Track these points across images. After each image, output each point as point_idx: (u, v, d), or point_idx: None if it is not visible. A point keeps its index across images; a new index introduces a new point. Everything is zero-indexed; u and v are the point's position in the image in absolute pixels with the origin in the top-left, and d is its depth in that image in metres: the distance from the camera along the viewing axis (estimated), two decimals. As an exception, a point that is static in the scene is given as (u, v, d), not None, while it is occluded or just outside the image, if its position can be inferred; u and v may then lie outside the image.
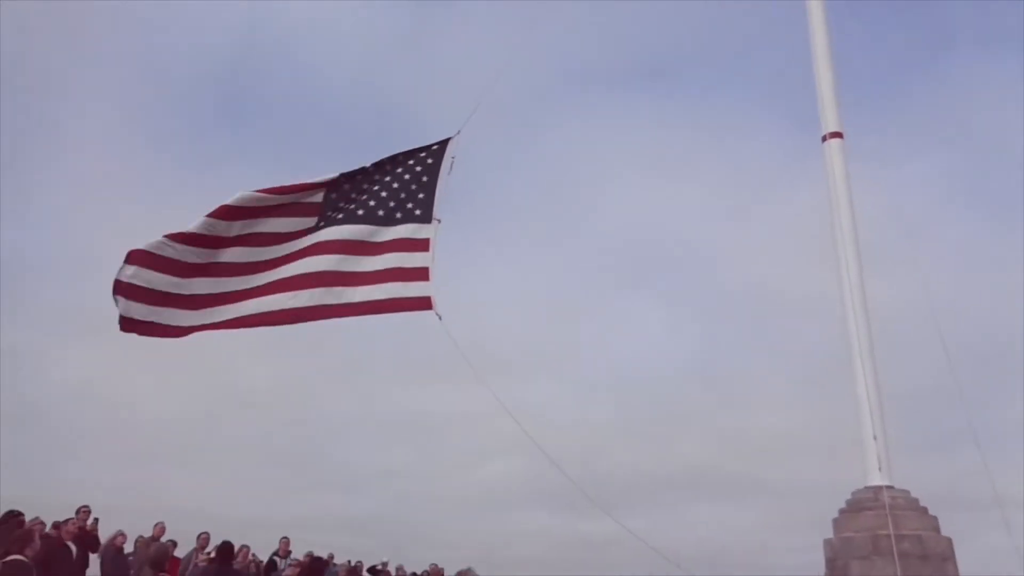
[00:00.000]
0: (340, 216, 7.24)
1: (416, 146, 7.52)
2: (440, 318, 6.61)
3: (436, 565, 18.80)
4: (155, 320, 6.84)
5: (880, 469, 13.30)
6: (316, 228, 7.18)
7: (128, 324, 6.80)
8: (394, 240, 7.05)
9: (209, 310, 6.82)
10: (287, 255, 7.04)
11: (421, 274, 6.85)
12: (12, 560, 6.36)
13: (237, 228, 7.06)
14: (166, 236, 6.85)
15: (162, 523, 12.85)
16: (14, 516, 9.06)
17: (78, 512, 12.00)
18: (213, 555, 12.95)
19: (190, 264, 6.90)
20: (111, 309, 6.70)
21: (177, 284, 6.82)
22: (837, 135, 15.37)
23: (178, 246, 6.86)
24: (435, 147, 7.65)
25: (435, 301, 6.75)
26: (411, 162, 7.49)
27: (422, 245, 7.01)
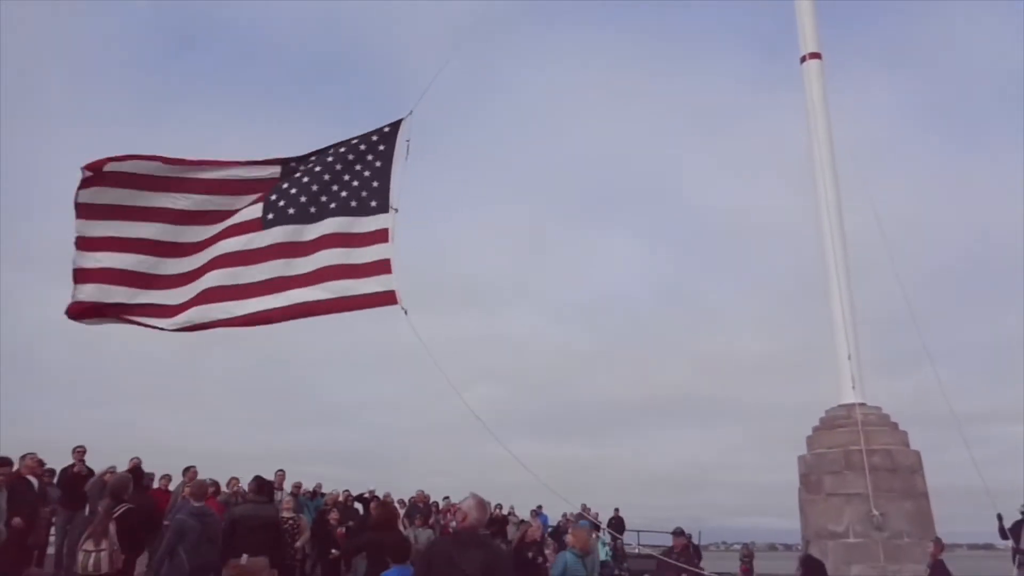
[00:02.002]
0: (292, 212, 6.78)
1: (368, 123, 7.07)
2: (406, 312, 6.24)
3: (423, 492, 19.19)
4: (108, 301, 6.40)
5: (853, 387, 13.64)
6: (264, 224, 6.71)
7: (79, 308, 6.30)
8: (351, 234, 6.70)
9: (159, 311, 6.37)
10: (237, 252, 6.58)
11: (383, 267, 6.49)
12: None
13: (180, 203, 6.63)
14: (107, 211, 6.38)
15: (114, 467, 12.91)
16: None
17: (74, 452, 12.22)
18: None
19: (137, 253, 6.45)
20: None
21: (132, 294, 6.40)
22: (816, 56, 15.21)
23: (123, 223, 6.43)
24: (387, 129, 7.18)
25: (399, 295, 6.32)
26: (363, 148, 7.10)
27: (381, 236, 6.65)
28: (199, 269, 6.65)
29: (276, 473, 15.36)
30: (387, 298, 6.40)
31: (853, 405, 13.45)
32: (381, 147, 7.13)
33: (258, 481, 9.67)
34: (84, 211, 6.49)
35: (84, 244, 6.48)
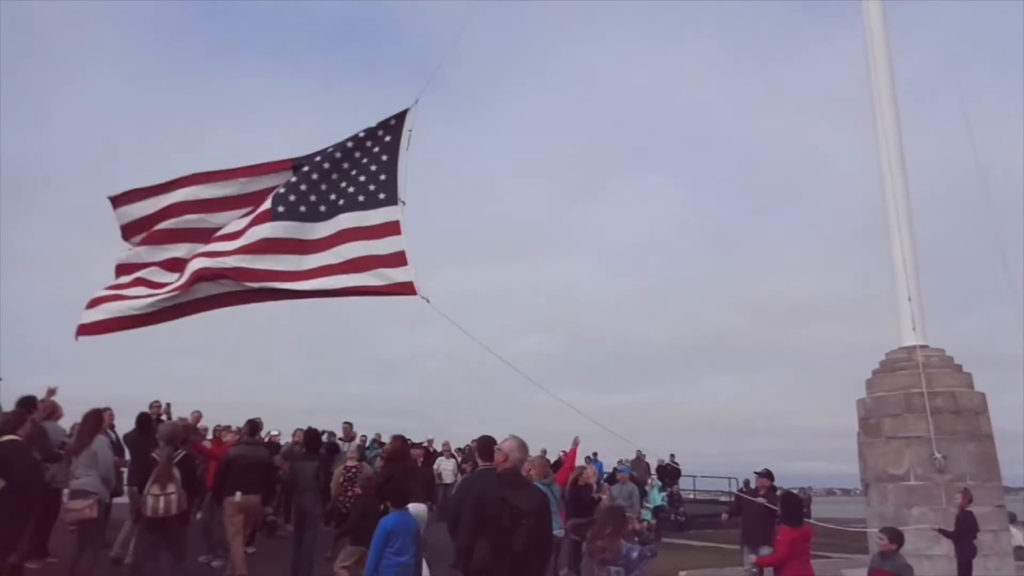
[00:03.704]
0: (303, 209, 6.83)
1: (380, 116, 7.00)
2: (428, 301, 6.22)
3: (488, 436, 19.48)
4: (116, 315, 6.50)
5: (914, 329, 13.33)
6: (274, 216, 6.78)
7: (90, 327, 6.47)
8: (362, 228, 6.71)
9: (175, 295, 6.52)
10: (251, 243, 6.65)
11: (399, 259, 6.49)
12: (6, 440, 6.75)
13: (193, 220, 6.80)
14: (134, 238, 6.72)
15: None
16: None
17: (151, 406, 12.80)
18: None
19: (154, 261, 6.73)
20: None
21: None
22: (877, -14, 14.54)
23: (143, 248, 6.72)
24: (392, 121, 7.12)
25: (417, 285, 6.30)
26: (369, 143, 7.08)
27: (392, 229, 6.64)
28: (217, 255, 6.68)
29: (343, 425, 15.95)
30: (406, 288, 6.40)
31: (914, 347, 13.16)
32: (387, 139, 7.08)
33: (251, 424, 10.25)
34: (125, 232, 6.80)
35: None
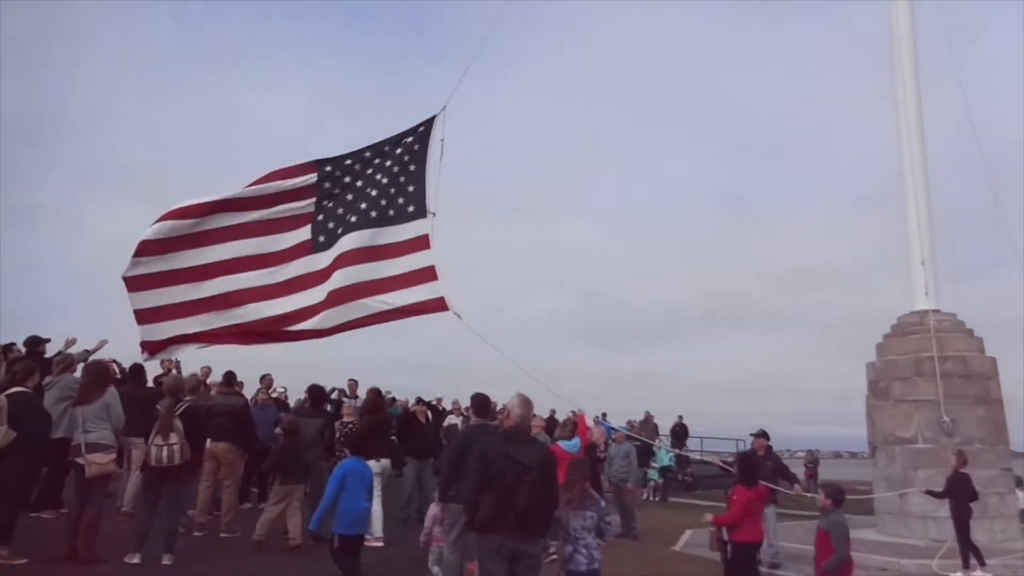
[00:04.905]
0: (340, 230, 6.65)
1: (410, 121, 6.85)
2: (459, 316, 6.05)
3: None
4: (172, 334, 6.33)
5: (927, 294, 13.24)
6: (315, 247, 6.63)
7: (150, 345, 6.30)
8: (393, 244, 6.54)
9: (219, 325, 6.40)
10: (294, 279, 6.51)
11: (428, 274, 6.31)
12: (16, 391, 6.82)
13: (221, 239, 6.50)
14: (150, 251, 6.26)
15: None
16: (38, 343, 9.82)
17: (161, 363, 12.92)
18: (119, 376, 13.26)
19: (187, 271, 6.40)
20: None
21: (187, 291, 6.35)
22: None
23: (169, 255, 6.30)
24: (421, 128, 6.91)
25: (449, 300, 6.11)
26: (398, 151, 6.89)
27: (422, 243, 6.47)
28: (265, 289, 6.53)
29: (348, 382, 16.12)
30: (437, 305, 6.18)
31: (926, 311, 13.09)
32: (416, 147, 6.88)
33: (227, 376, 10.78)
34: (141, 250, 6.34)
35: (138, 283, 6.35)
